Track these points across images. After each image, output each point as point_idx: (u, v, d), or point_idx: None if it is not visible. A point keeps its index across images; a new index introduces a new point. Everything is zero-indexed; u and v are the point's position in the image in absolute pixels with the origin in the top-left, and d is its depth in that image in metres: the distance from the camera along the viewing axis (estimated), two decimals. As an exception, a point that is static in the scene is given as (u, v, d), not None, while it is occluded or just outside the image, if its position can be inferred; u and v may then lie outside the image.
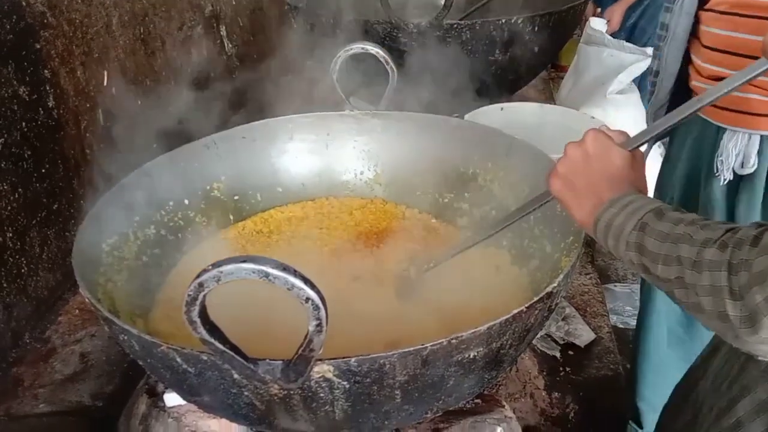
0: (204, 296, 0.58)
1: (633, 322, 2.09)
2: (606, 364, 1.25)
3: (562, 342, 1.27)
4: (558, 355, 1.25)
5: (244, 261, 0.56)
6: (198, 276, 0.57)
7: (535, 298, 0.73)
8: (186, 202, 1.14)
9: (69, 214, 1.33)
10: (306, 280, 0.57)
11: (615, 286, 2.24)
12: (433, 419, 0.94)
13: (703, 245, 0.62)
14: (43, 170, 1.25)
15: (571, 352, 1.26)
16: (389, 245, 1.17)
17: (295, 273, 0.56)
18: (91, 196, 1.36)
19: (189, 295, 0.58)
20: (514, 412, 1.10)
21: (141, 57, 1.62)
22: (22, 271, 1.21)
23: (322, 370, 0.66)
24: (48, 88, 1.26)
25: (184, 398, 0.92)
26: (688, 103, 0.78)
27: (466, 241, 1.00)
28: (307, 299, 0.57)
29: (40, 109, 1.24)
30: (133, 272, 1.02)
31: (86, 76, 1.39)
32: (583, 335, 1.28)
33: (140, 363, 0.81)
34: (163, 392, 0.99)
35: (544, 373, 1.21)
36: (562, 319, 1.31)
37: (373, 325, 0.94)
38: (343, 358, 0.65)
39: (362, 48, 1.17)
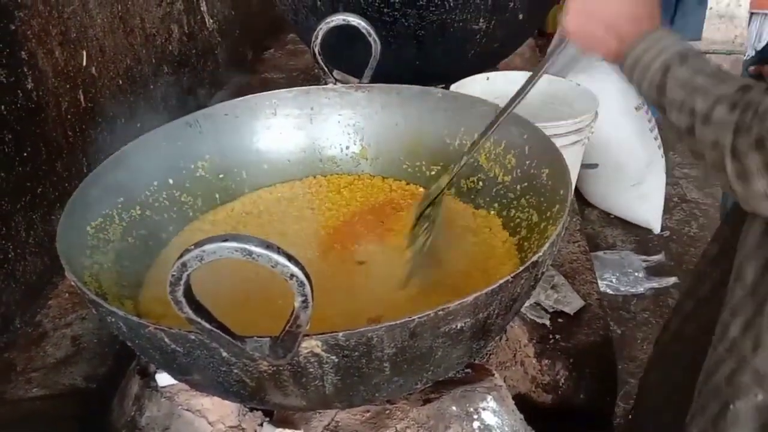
0: (188, 276, 0.58)
1: (622, 289, 2.12)
2: (595, 330, 1.26)
3: (551, 310, 1.28)
4: (547, 323, 1.26)
5: (226, 240, 0.56)
6: (181, 256, 0.57)
7: (521, 268, 0.73)
8: (170, 181, 1.13)
9: (54, 198, 1.32)
10: (289, 257, 0.56)
11: (604, 253, 2.26)
12: (423, 390, 0.95)
13: (716, 102, 0.65)
14: (25, 154, 1.24)
15: (560, 320, 1.27)
16: (383, 221, 1.16)
17: (279, 250, 0.56)
18: (75, 178, 1.35)
19: (173, 275, 0.58)
20: (504, 381, 1.11)
21: (120, 36, 1.59)
22: (9, 256, 1.20)
23: (310, 345, 0.66)
24: (26, 69, 1.24)
25: (175, 378, 0.92)
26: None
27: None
28: (292, 276, 0.57)
29: (19, 91, 1.22)
30: (120, 254, 1.01)
31: (65, 56, 1.36)
32: (573, 303, 1.29)
33: (129, 344, 0.81)
34: (155, 372, 1.00)
35: (534, 341, 1.22)
36: (551, 288, 1.31)
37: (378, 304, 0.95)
38: (331, 332, 0.66)
39: (344, 19, 1.15)
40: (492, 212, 1.10)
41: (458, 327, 0.71)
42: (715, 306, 0.83)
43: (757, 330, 0.73)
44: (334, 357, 0.68)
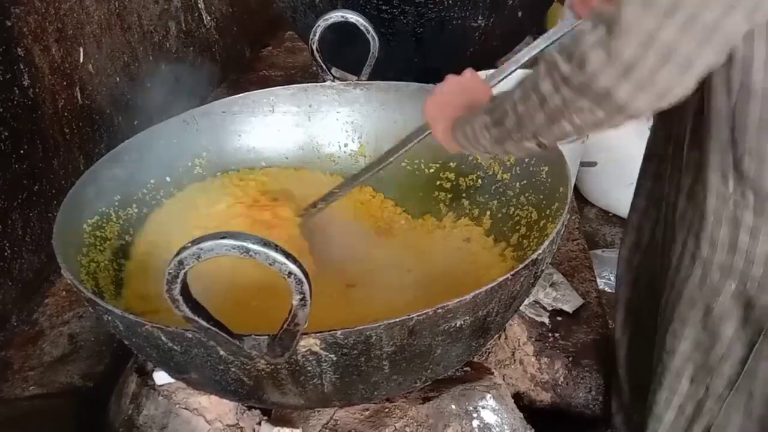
0: (185, 274, 0.58)
1: (621, 286, 2.11)
2: (594, 328, 1.25)
3: (550, 308, 1.28)
4: (547, 321, 1.25)
5: (223, 237, 0.55)
6: (177, 253, 0.57)
7: (521, 266, 0.72)
8: (167, 179, 1.13)
9: (50, 195, 1.31)
10: (287, 255, 0.56)
11: (603, 251, 2.24)
12: (422, 388, 0.94)
13: (537, 66, 0.68)
14: (22, 151, 1.23)
15: (559, 318, 1.26)
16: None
17: (276, 248, 0.56)
18: (72, 175, 1.34)
19: (169, 273, 0.58)
20: (503, 379, 1.11)
21: (117, 32, 1.58)
22: (6, 254, 1.19)
23: (308, 343, 0.66)
24: (22, 66, 1.23)
25: (173, 376, 0.92)
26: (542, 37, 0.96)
27: (345, 183, 1.06)
28: (290, 273, 0.56)
29: (15, 88, 1.21)
30: (116, 252, 1.01)
31: (61, 53, 1.36)
32: (572, 301, 1.29)
33: (126, 343, 0.81)
34: (153, 371, 0.99)
35: (533, 340, 1.21)
36: (550, 286, 1.31)
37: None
38: (329, 330, 0.65)
39: (342, 16, 1.15)
40: (488, 211, 1.10)
41: (457, 325, 0.70)
42: (658, 247, 0.97)
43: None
44: (332, 355, 0.67)
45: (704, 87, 0.77)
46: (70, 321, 1.24)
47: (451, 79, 0.93)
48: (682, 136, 0.87)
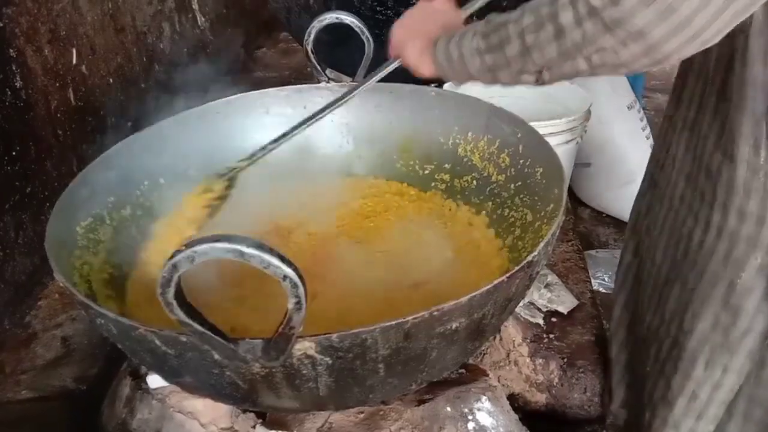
0: (179, 277, 0.57)
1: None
2: (589, 329, 1.26)
3: (545, 309, 1.28)
4: (541, 322, 1.26)
5: (217, 240, 0.55)
6: (171, 257, 0.56)
7: (516, 268, 0.72)
8: (161, 181, 1.12)
9: (43, 197, 1.30)
10: (282, 258, 0.56)
11: (597, 252, 2.25)
12: (418, 391, 0.94)
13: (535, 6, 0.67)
14: (14, 153, 1.22)
15: (554, 319, 1.27)
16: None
17: (271, 251, 0.55)
18: (65, 177, 1.34)
19: (163, 277, 0.57)
20: (498, 380, 1.11)
21: (110, 33, 1.57)
22: (-2, 256, 1.19)
23: (303, 347, 0.65)
24: (14, 67, 1.22)
25: (167, 380, 0.91)
26: None
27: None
28: (285, 277, 0.56)
29: (8, 90, 1.21)
30: (110, 254, 1.00)
31: (54, 54, 1.35)
32: (566, 302, 1.29)
33: (120, 346, 0.80)
34: (147, 374, 0.98)
35: (528, 341, 1.22)
36: (545, 287, 1.31)
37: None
38: (325, 334, 0.65)
39: (337, 18, 1.14)
40: (484, 211, 1.10)
41: (453, 327, 0.70)
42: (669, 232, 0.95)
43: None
44: (328, 358, 0.67)
45: (738, 56, 0.76)
46: (63, 324, 1.23)
47: (421, 4, 0.90)
48: (702, 112, 0.85)
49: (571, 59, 0.64)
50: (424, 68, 0.85)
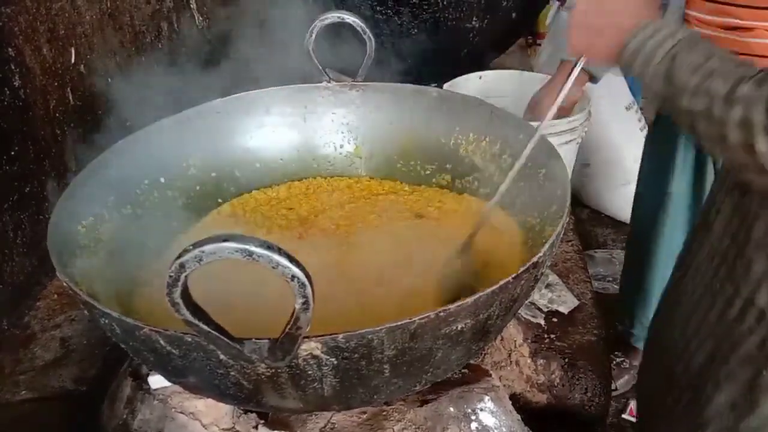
0: (186, 277, 0.57)
1: (613, 288, 2.12)
2: (590, 329, 1.26)
3: (546, 309, 1.28)
4: (542, 322, 1.26)
5: (225, 240, 0.54)
6: (179, 256, 0.56)
7: (522, 269, 0.72)
8: (162, 180, 1.12)
9: (42, 197, 1.29)
10: (291, 258, 0.55)
11: (595, 252, 2.26)
12: (420, 391, 0.94)
13: (738, 80, 0.64)
14: (12, 152, 1.21)
15: (555, 319, 1.27)
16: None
17: (280, 251, 0.55)
18: (64, 177, 1.33)
19: (170, 277, 0.57)
20: (500, 380, 1.11)
21: (109, 32, 1.56)
22: (-4, 256, 1.18)
23: (309, 347, 0.65)
24: (13, 67, 1.22)
25: (169, 380, 0.91)
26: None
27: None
28: (293, 277, 0.56)
29: (6, 89, 1.20)
30: (111, 253, 1.00)
31: (53, 53, 1.34)
32: (567, 302, 1.29)
33: (123, 346, 0.80)
34: (148, 374, 0.98)
35: (529, 341, 1.22)
36: (546, 287, 1.31)
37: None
38: (331, 334, 0.64)
39: (338, 17, 1.14)
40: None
41: (459, 328, 0.70)
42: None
43: None
44: (333, 359, 0.67)
45: None
46: (62, 324, 1.22)
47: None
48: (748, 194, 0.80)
49: (742, 170, 0.66)
50: (613, 62, 0.79)
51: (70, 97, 1.40)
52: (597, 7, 0.79)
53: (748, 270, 0.79)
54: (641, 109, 2.50)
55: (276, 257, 0.54)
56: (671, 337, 0.98)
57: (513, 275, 0.71)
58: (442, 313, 0.67)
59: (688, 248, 0.98)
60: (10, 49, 1.21)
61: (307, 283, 0.56)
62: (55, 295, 1.28)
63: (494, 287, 0.69)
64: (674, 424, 0.95)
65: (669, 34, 0.72)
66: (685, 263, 0.97)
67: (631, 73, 0.76)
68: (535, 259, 0.74)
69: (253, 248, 0.54)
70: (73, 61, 1.41)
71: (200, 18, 2.02)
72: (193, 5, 1.98)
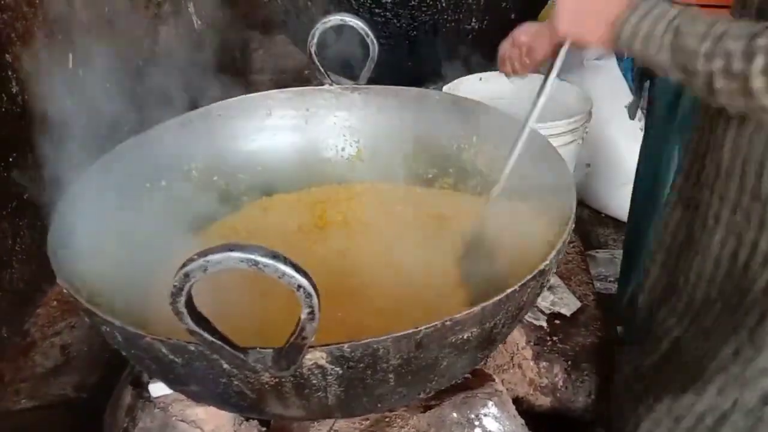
0: (190, 287, 0.56)
1: (615, 288, 2.12)
2: (593, 331, 1.25)
3: (548, 312, 1.27)
4: (545, 324, 1.25)
5: (231, 249, 0.54)
6: (183, 266, 0.55)
7: (528, 276, 0.71)
8: (163, 183, 1.11)
9: (41, 204, 1.28)
10: (297, 268, 0.55)
11: (597, 252, 2.25)
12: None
13: (751, 36, 0.67)
14: (11, 159, 1.21)
15: (557, 322, 1.26)
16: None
17: (286, 260, 0.54)
18: (63, 182, 1.32)
19: (175, 286, 0.56)
20: (503, 384, 1.10)
21: (107, 37, 1.56)
22: (-5, 263, 1.17)
23: (314, 357, 0.64)
24: (10, 73, 1.21)
25: (172, 388, 0.90)
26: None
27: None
28: (299, 287, 0.55)
29: (4, 95, 1.19)
30: (112, 260, 0.99)
31: (50, 59, 1.33)
32: (569, 304, 1.28)
33: (124, 354, 0.79)
34: (148, 382, 0.97)
35: (532, 344, 1.21)
36: (548, 289, 1.31)
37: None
38: (336, 344, 0.64)
39: (341, 20, 1.13)
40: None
41: (465, 337, 0.69)
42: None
43: None
44: (338, 369, 0.66)
45: None
46: (62, 331, 1.21)
47: None
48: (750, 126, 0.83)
49: (761, 113, 0.67)
50: (608, 47, 0.80)
51: (68, 103, 1.39)
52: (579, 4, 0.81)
53: (748, 217, 0.83)
54: (642, 108, 2.49)
55: (282, 267, 0.54)
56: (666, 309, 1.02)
57: (519, 283, 0.70)
58: (448, 323, 0.66)
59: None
60: (7, 55, 1.20)
61: (313, 293, 0.56)
62: (55, 302, 1.27)
63: (500, 295, 0.69)
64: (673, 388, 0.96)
65: (662, 13, 0.74)
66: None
67: (630, 53, 0.78)
68: (541, 267, 0.73)
69: (258, 258, 0.53)
70: (71, 66, 1.40)
71: (199, 22, 2.01)
72: (192, 9, 1.97)
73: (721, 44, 0.69)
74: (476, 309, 0.67)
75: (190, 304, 0.58)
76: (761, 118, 0.73)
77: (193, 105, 1.19)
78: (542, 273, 0.73)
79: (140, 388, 0.98)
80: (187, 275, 0.55)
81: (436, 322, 0.65)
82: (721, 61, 0.69)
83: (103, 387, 1.09)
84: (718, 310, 0.90)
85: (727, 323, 0.87)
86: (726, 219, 0.88)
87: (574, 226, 0.84)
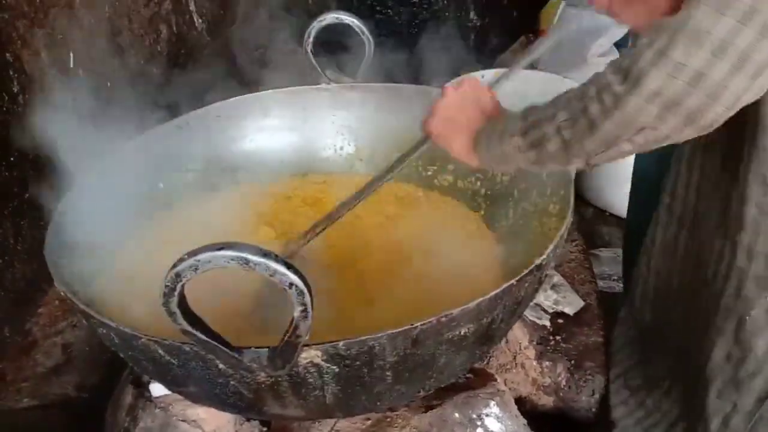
0: (182, 286, 0.56)
1: (618, 287, 2.10)
2: (596, 330, 1.24)
3: (551, 311, 1.26)
4: (548, 324, 1.24)
5: (221, 248, 0.53)
6: (174, 266, 0.55)
7: (525, 271, 0.71)
8: (161, 185, 1.11)
9: (42, 203, 1.28)
10: (288, 265, 0.54)
11: (600, 251, 2.23)
12: (425, 396, 0.93)
13: (583, 85, 0.68)
14: (12, 158, 1.21)
15: (560, 321, 1.25)
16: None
17: (276, 258, 0.54)
18: (63, 183, 1.32)
19: (166, 286, 0.56)
20: (505, 384, 1.10)
21: (108, 36, 1.56)
22: (-3, 263, 1.17)
23: (309, 355, 0.64)
24: (11, 72, 1.21)
25: (170, 389, 0.90)
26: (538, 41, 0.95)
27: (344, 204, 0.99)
28: (291, 285, 0.55)
29: (5, 94, 1.19)
30: (112, 260, 0.99)
31: (51, 58, 1.33)
32: (573, 303, 1.28)
33: (122, 355, 0.79)
34: (149, 382, 0.97)
35: (535, 343, 1.20)
36: (551, 288, 1.30)
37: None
38: (331, 342, 0.63)
39: (336, 18, 1.13)
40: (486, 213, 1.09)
41: (462, 333, 0.69)
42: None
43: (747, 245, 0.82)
44: (334, 367, 0.66)
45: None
46: (63, 331, 1.21)
47: (449, 93, 0.89)
48: (716, 145, 0.85)
49: (613, 145, 0.65)
50: (473, 162, 0.86)
51: (69, 103, 1.39)
52: (459, 105, 0.87)
53: (717, 228, 0.85)
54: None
55: (273, 265, 0.53)
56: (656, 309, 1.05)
57: (516, 278, 0.70)
58: (443, 318, 0.65)
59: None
60: (8, 55, 1.20)
61: (305, 290, 0.55)
62: (57, 302, 1.27)
63: (497, 290, 0.68)
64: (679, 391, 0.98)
65: (513, 114, 0.78)
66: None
67: (487, 159, 0.83)
68: (538, 261, 0.72)
69: (249, 256, 0.53)
70: (71, 65, 1.40)
71: (200, 20, 2.01)
72: (192, 8, 1.97)
73: (557, 102, 0.70)
74: (471, 304, 0.66)
75: (182, 304, 0.58)
76: (623, 149, 0.67)
77: (194, 105, 1.19)
78: (540, 267, 0.73)
79: (141, 387, 0.98)
80: (178, 275, 0.55)
81: (431, 318, 0.64)
82: (564, 113, 0.68)
83: (104, 386, 1.09)
84: (705, 313, 0.91)
85: (715, 328, 0.89)
86: (698, 223, 0.91)
87: (572, 220, 0.84)
